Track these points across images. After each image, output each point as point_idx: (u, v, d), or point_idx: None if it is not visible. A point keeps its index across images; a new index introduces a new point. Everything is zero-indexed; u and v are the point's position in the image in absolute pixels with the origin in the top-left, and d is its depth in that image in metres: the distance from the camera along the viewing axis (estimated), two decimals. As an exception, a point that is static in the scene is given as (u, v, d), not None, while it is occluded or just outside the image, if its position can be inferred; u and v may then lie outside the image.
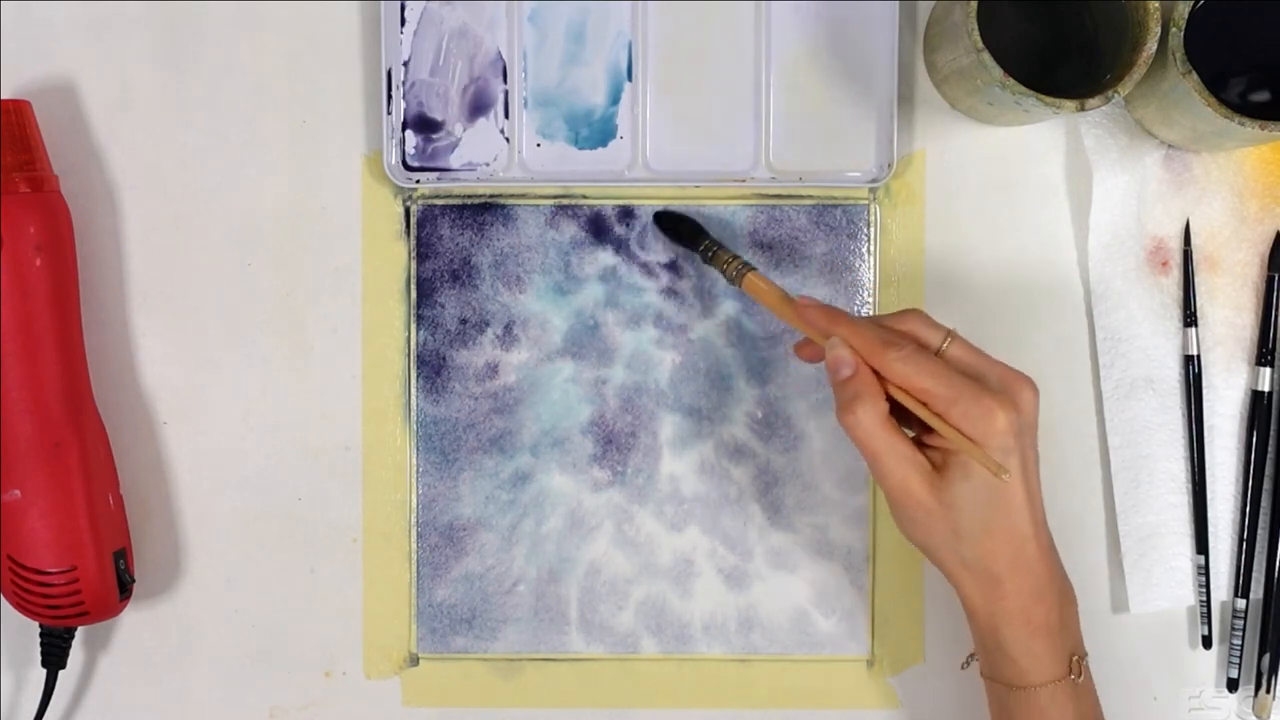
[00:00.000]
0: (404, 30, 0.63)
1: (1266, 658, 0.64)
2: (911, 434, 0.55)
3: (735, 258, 0.60)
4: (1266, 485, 0.64)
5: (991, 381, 0.54)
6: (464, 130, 0.63)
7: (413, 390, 0.64)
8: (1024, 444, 0.53)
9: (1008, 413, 0.52)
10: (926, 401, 0.53)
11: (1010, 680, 0.55)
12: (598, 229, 0.64)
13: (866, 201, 0.64)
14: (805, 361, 0.59)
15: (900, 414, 0.54)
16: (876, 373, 0.54)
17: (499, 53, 0.63)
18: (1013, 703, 0.55)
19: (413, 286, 0.64)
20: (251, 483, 0.65)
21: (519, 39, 0.63)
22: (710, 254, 0.61)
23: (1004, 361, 0.55)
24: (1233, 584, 0.64)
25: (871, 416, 0.53)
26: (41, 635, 0.62)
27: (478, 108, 0.63)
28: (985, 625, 0.55)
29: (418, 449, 0.65)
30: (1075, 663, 0.55)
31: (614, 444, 0.65)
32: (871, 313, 0.64)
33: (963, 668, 0.61)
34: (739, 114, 0.63)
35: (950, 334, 0.55)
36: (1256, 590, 0.64)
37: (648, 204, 0.64)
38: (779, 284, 0.59)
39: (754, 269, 0.60)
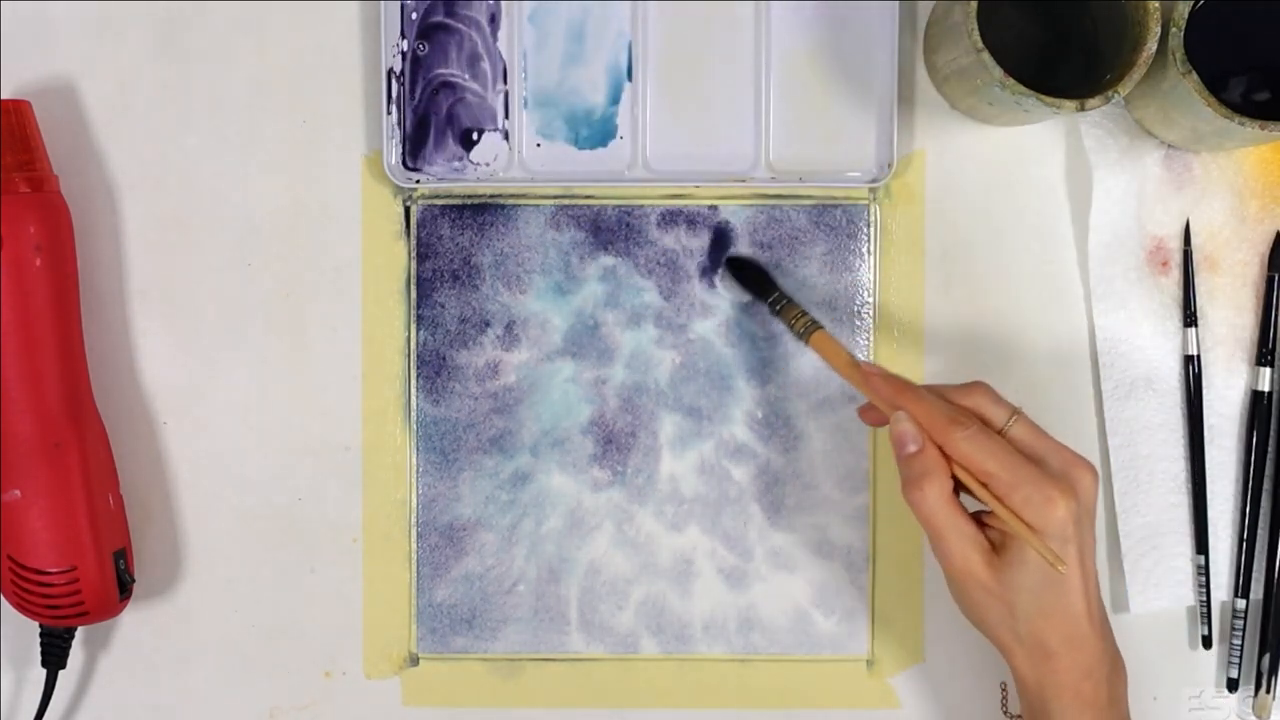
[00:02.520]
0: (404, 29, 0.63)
1: (1266, 658, 0.64)
2: (972, 509, 0.55)
3: (804, 314, 0.60)
4: (1266, 485, 0.64)
5: (1053, 465, 0.54)
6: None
7: (413, 390, 0.64)
8: (1082, 530, 0.53)
9: (1068, 501, 0.53)
10: (988, 483, 0.53)
11: None
12: (598, 229, 0.64)
13: (866, 201, 0.64)
14: (869, 425, 0.59)
15: (960, 484, 0.55)
16: (940, 447, 0.54)
17: (499, 53, 0.63)
18: None
19: (413, 286, 0.64)
20: (251, 483, 0.65)
21: (519, 39, 0.63)
22: (779, 307, 0.61)
23: (1067, 446, 0.55)
24: (1233, 584, 0.64)
25: (937, 495, 0.53)
26: (41, 635, 0.62)
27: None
28: (1034, 697, 0.55)
29: (418, 449, 0.65)
30: None
31: (614, 444, 0.65)
32: (873, 313, 0.64)
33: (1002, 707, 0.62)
34: (739, 114, 0.63)
35: (1015, 412, 0.55)
36: (1256, 590, 0.64)
37: (648, 204, 0.64)
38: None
39: (821, 327, 0.60)
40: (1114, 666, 0.56)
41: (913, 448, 0.54)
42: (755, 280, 0.63)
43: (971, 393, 0.56)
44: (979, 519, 0.55)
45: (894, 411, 0.55)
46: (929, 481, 0.53)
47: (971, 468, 0.53)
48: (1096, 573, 0.55)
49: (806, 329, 0.60)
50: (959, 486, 0.55)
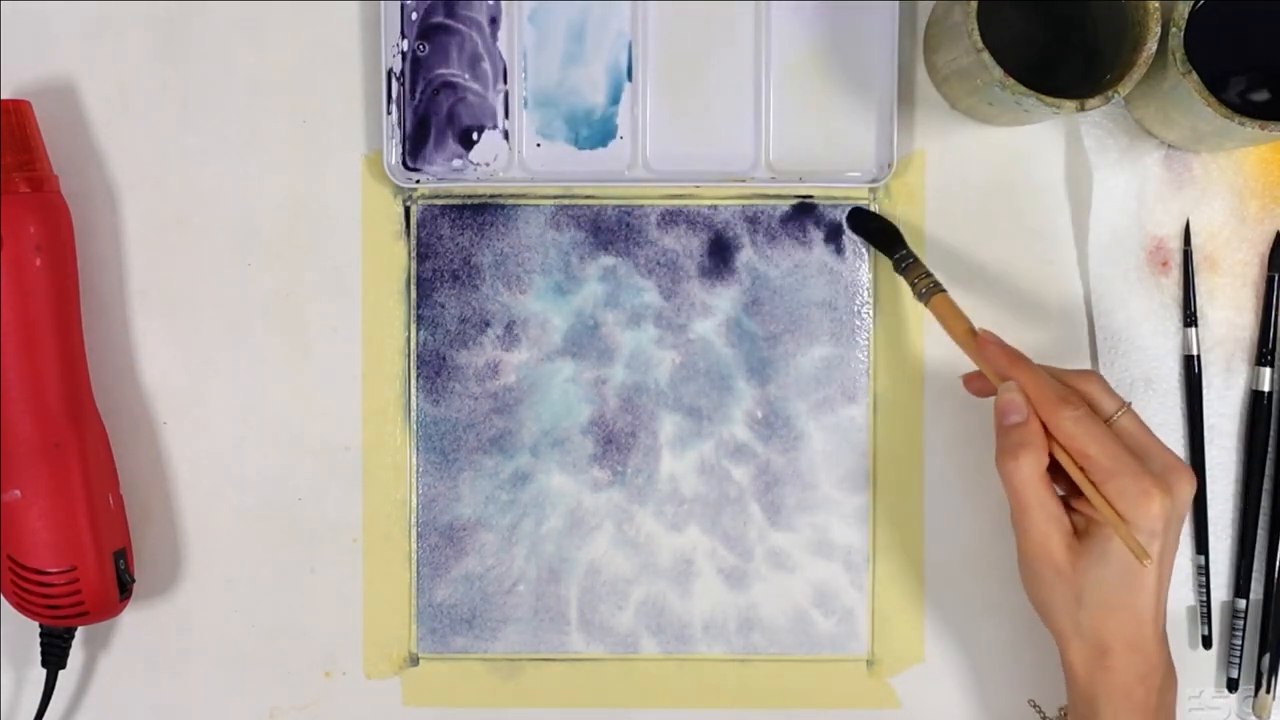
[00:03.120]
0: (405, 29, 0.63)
1: (1266, 658, 0.64)
2: (1060, 492, 0.55)
3: (928, 275, 0.60)
4: (1266, 485, 0.64)
5: (1154, 463, 0.54)
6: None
7: (413, 390, 0.64)
8: (1169, 532, 0.53)
9: (1163, 498, 0.52)
10: (1085, 467, 0.53)
11: None
12: (598, 229, 0.64)
13: (866, 201, 0.64)
14: (971, 394, 0.59)
15: (1053, 470, 0.55)
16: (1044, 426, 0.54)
17: (499, 53, 0.63)
18: None
19: (413, 286, 0.64)
20: (251, 483, 0.65)
21: (519, 39, 0.63)
22: (904, 265, 0.61)
23: (1170, 449, 0.55)
24: (1233, 584, 0.64)
25: (1032, 468, 0.53)
26: (41, 635, 0.62)
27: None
28: (1084, 694, 0.55)
29: (418, 449, 0.65)
30: None
31: (614, 444, 0.65)
32: (873, 313, 0.64)
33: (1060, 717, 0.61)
34: (739, 114, 0.63)
35: (1125, 406, 0.55)
36: (1256, 590, 0.64)
37: (648, 204, 0.64)
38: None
39: (944, 290, 0.59)
40: (1167, 676, 0.56)
41: (1016, 418, 0.54)
42: (882, 235, 0.62)
43: (1084, 379, 0.56)
44: (1066, 503, 0.55)
45: (1003, 382, 0.55)
46: (1025, 453, 0.53)
47: (1072, 449, 0.53)
48: (1169, 583, 0.55)
49: (929, 290, 0.59)
50: (1053, 469, 0.54)
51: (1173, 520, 0.53)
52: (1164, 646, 0.55)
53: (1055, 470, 0.55)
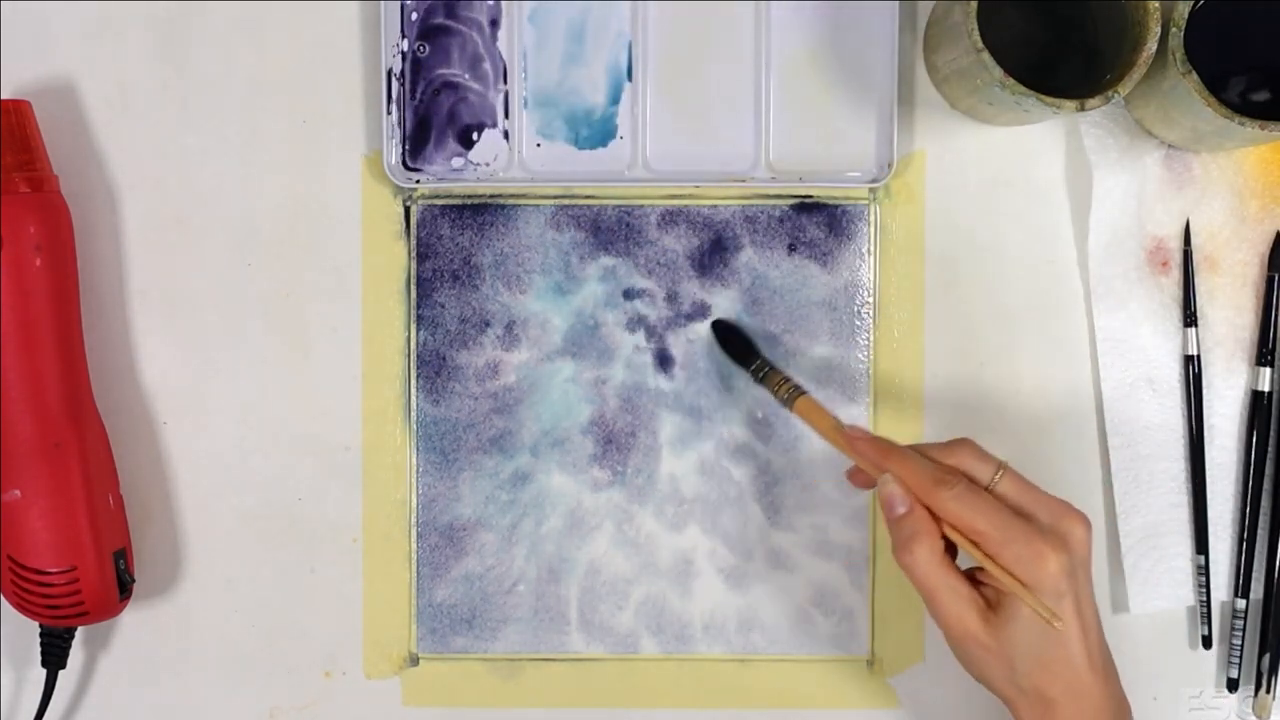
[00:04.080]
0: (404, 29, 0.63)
1: (1266, 658, 0.64)
2: (965, 567, 0.55)
3: (787, 380, 0.60)
4: (1266, 485, 0.64)
5: (1042, 518, 0.54)
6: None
7: (413, 390, 0.64)
8: (1077, 582, 0.53)
9: (1059, 555, 0.52)
10: (978, 542, 0.53)
11: None
12: (598, 229, 0.64)
13: (866, 201, 0.64)
14: (857, 488, 0.59)
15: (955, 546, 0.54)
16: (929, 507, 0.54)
17: (499, 53, 0.63)
18: None
19: (413, 286, 0.64)
20: (251, 483, 0.65)
21: (519, 39, 0.63)
22: (762, 374, 0.61)
23: (1055, 496, 0.55)
24: (1233, 584, 0.64)
25: (928, 556, 0.53)
26: (41, 635, 0.62)
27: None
28: None
29: (418, 449, 0.65)
30: None
31: (614, 444, 0.65)
32: (873, 313, 0.64)
33: None
34: (739, 114, 0.63)
35: (1001, 466, 0.55)
36: (1256, 590, 0.64)
37: (648, 204, 0.64)
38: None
39: (806, 393, 0.59)
40: (1118, 713, 0.55)
41: (901, 509, 0.54)
42: (739, 347, 0.63)
43: (956, 450, 0.55)
44: (973, 576, 0.54)
45: (880, 474, 0.55)
46: (919, 543, 0.53)
47: (961, 527, 0.53)
48: (1099, 619, 0.54)
49: (790, 395, 0.59)
50: (951, 545, 0.54)
51: (1076, 569, 0.53)
52: (1109, 684, 0.55)
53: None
